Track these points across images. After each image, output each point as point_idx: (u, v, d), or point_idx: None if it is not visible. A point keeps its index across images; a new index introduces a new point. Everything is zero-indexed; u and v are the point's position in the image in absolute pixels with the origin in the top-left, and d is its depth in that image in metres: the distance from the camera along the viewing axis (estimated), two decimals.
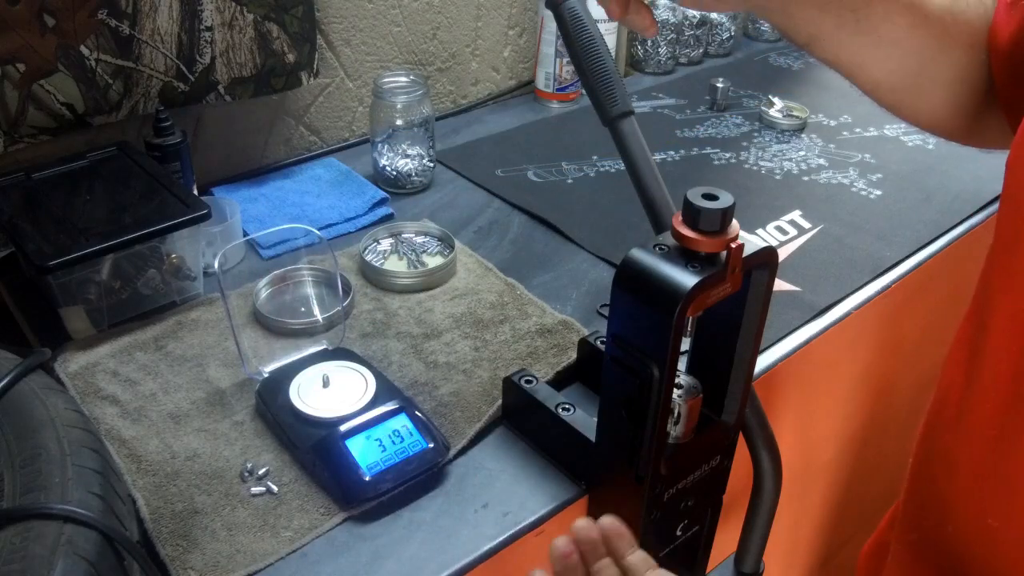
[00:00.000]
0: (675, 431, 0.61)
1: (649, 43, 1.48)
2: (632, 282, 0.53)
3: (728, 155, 1.22)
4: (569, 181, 1.13)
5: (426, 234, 0.98)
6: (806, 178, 1.16)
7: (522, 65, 1.40)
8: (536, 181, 1.13)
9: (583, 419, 0.67)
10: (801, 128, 1.29)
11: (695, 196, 0.51)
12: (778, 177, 1.16)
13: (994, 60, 0.61)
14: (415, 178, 1.09)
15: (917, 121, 0.68)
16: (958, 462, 0.56)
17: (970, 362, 0.55)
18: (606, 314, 0.81)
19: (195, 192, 0.98)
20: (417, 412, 0.70)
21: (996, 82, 0.62)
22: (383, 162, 1.08)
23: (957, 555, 0.57)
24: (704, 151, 1.23)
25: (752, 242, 0.54)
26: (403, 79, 1.06)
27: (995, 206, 1.07)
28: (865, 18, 0.60)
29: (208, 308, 0.85)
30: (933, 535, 0.60)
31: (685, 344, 0.55)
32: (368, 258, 0.92)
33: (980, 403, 0.54)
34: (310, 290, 0.89)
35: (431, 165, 1.10)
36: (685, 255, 0.52)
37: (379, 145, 1.07)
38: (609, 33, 1.37)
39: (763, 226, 1.04)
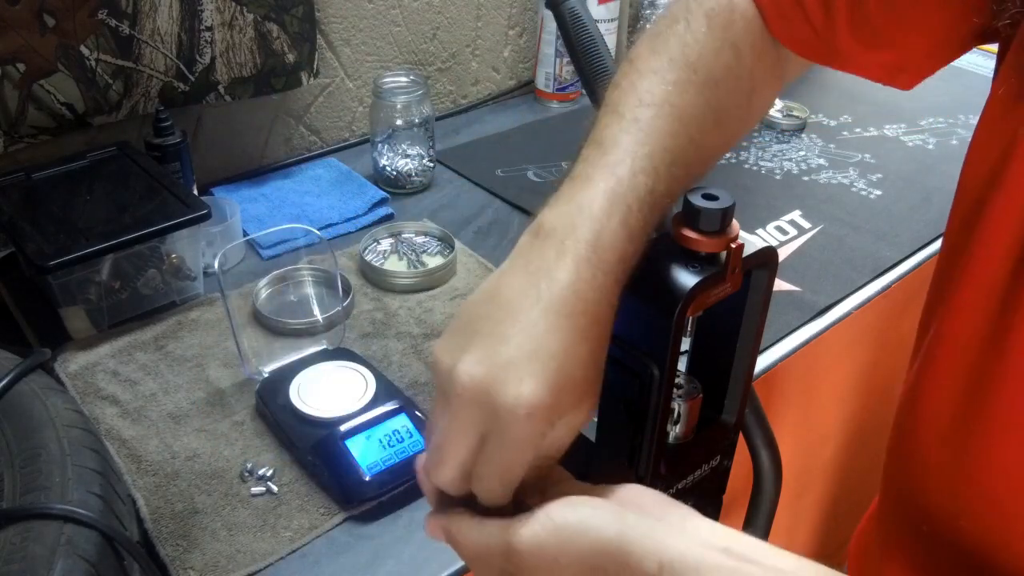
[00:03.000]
0: (675, 431, 0.61)
1: None
2: (632, 282, 0.53)
3: (728, 155, 1.22)
4: None
5: (426, 234, 0.98)
6: (806, 178, 1.16)
7: (522, 65, 1.40)
8: (536, 181, 1.13)
9: None
10: (801, 128, 1.29)
11: (695, 196, 0.51)
12: (778, 177, 1.16)
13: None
14: (415, 178, 1.09)
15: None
16: (923, 450, 0.56)
17: (930, 354, 0.55)
18: None
19: (195, 192, 0.98)
20: (417, 412, 0.70)
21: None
22: (383, 162, 1.08)
23: (935, 546, 0.57)
24: None
25: (752, 242, 0.54)
26: (403, 79, 1.06)
27: None
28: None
29: (208, 308, 0.85)
30: (909, 527, 0.60)
31: (685, 344, 0.55)
32: (368, 258, 0.92)
33: (938, 394, 0.54)
34: (310, 290, 0.89)
35: (431, 165, 1.10)
36: (685, 255, 0.52)
37: (379, 145, 1.07)
38: (609, 33, 1.37)
39: (763, 226, 1.04)
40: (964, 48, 0.54)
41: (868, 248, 1.00)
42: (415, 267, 0.92)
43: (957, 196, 0.54)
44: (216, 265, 0.74)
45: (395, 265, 0.93)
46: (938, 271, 0.56)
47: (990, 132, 0.50)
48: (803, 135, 1.28)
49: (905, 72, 0.58)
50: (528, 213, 1.05)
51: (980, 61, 1.45)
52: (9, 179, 0.85)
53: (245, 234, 0.97)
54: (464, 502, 0.44)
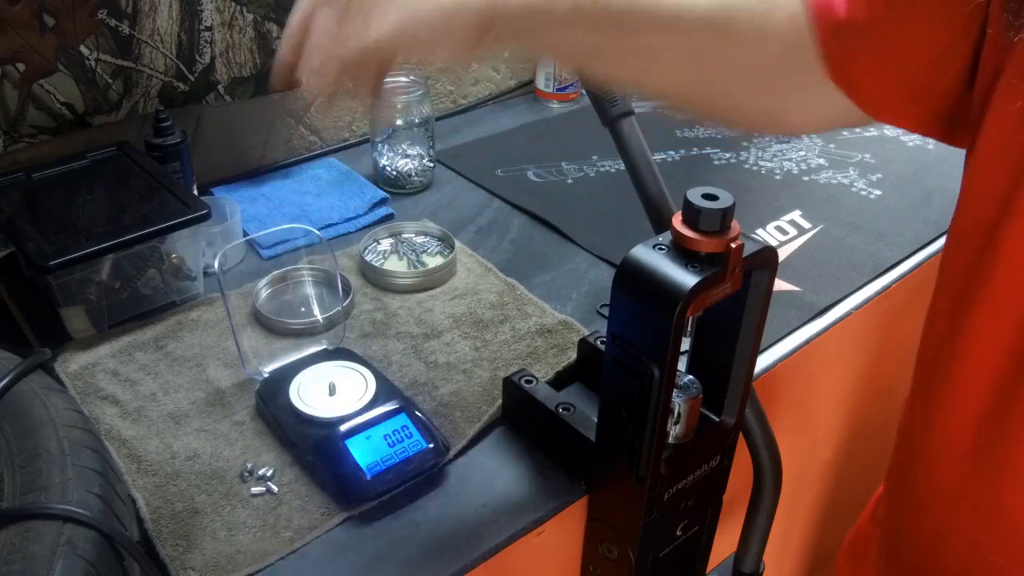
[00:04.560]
0: (675, 431, 0.61)
1: None
2: (632, 282, 0.53)
3: (728, 155, 1.22)
4: (569, 181, 1.13)
5: (426, 234, 0.98)
6: (806, 178, 1.16)
7: (522, 65, 1.40)
8: (536, 181, 1.13)
9: (583, 419, 0.67)
10: None
11: (695, 196, 0.51)
12: (778, 177, 1.16)
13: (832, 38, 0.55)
14: (415, 178, 1.09)
15: (725, 121, 0.65)
16: (934, 476, 0.56)
17: (943, 373, 0.54)
18: (606, 314, 0.82)
19: (195, 192, 0.98)
20: (417, 412, 0.70)
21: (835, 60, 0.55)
22: (383, 162, 1.08)
23: (938, 550, 0.57)
24: (704, 151, 1.23)
25: (752, 242, 0.54)
26: (403, 79, 1.06)
27: None
28: (631, 35, 0.55)
29: (208, 308, 0.85)
30: (913, 526, 0.60)
31: (685, 344, 0.55)
32: (368, 258, 0.92)
33: (958, 419, 0.53)
34: (310, 290, 0.89)
35: (431, 165, 1.10)
36: (685, 255, 0.52)
37: (379, 145, 1.07)
38: None
39: (763, 226, 1.04)
40: (966, 63, 0.51)
41: (868, 248, 1.00)
42: (415, 267, 0.92)
43: (964, 217, 0.52)
44: (216, 265, 0.74)
45: (395, 265, 0.93)
46: (948, 294, 0.54)
47: (1004, 144, 0.48)
48: (803, 135, 1.28)
49: (920, 103, 0.53)
50: (528, 213, 1.05)
51: None
52: (9, 179, 0.85)
53: (245, 234, 0.97)
54: None
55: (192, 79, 0.96)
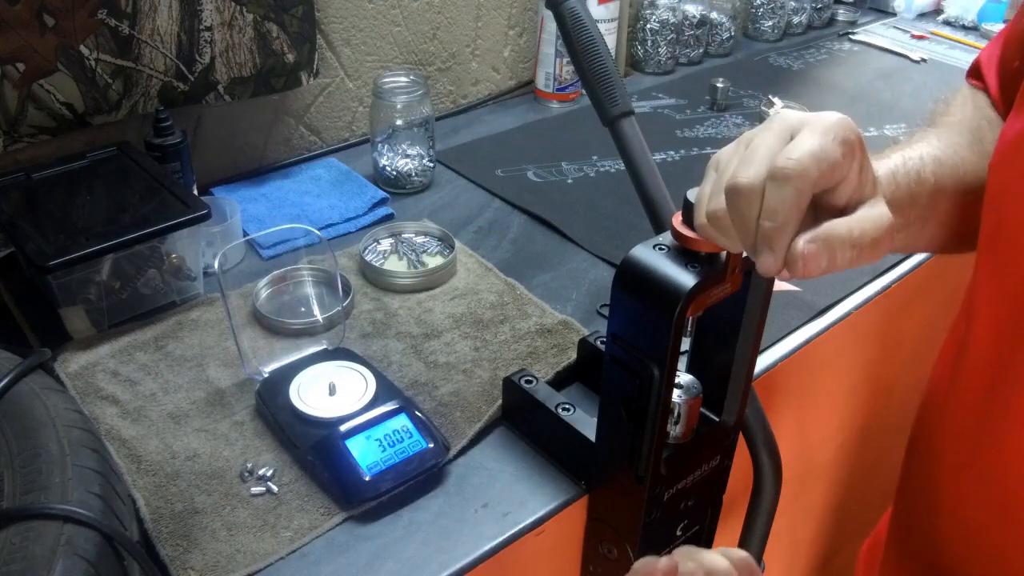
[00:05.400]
0: (675, 431, 0.61)
1: (649, 43, 1.48)
2: (632, 282, 0.53)
3: None
4: (569, 181, 1.13)
5: (426, 234, 0.98)
6: None
7: (522, 65, 1.40)
8: (536, 181, 1.13)
9: (583, 419, 0.67)
10: None
11: (695, 196, 0.51)
12: None
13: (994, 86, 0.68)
14: (415, 178, 1.09)
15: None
16: (943, 454, 0.57)
17: (956, 358, 0.57)
18: (606, 314, 0.82)
19: (195, 192, 0.98)
20: (417, 412, 0.70)
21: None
22: (383, 162, 1.08)
23: (944, 549, 0.58)
24: (704, 151, 1.23)
25: None
26: (403, 79, 1.06)
27: None
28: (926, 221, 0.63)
29: (208, 308, 0.85)
30: (923, 529, 0.61)
31: (685, 344, 0.55)
32: (368, 258, 0.92)
33: (962, 396, 0.55)
34: (310, 290, 0.89)
35: (431, 165, 1.10)
36: (685, 255, 0.52)
37: (379, 145, 1.07)
38: (609, 33, 1.37)
39: None
40: None
41: None
42: (415, 267, 0.92)
43: (985, 219, 0.56)
44: (216, 265, 0.74)
45: (395, 265, 0.93)
46: (972, 279, 0.59)
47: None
48: None
49: None
50: (528, 213, 1.05)
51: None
52: (9, 179, 0.85)
53: (245, 234, 0.97)
54: None
55: (192, 79, 0.96)
